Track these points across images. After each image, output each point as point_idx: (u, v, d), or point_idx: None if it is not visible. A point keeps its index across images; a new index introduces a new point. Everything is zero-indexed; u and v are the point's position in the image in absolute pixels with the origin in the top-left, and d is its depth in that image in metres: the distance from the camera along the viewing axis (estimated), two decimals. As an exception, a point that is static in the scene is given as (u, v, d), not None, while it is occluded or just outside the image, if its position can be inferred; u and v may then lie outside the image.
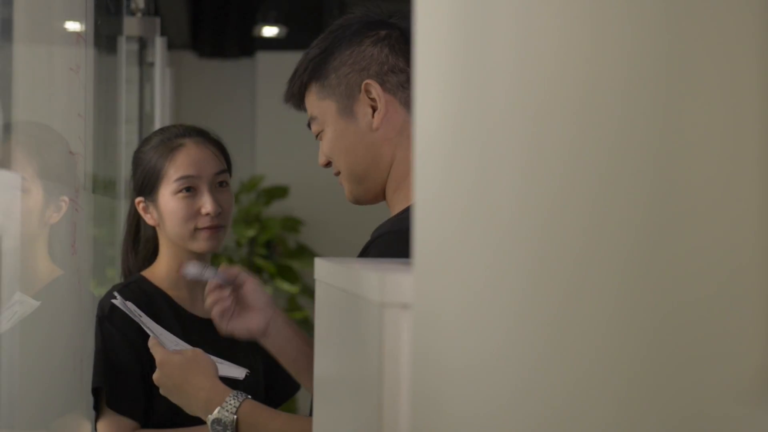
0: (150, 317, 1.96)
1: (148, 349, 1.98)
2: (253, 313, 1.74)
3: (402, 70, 1.63)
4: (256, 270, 5.78)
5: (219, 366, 1.75)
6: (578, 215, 0.57)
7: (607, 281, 0.54)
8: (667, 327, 0.49)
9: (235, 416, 1.66)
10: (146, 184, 2.08)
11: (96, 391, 2.03)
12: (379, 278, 0.95)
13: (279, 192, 5.98)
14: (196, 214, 2.04)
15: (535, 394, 0.63)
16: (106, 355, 2.01)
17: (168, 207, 2.05)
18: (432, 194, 0.83)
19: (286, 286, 5.70)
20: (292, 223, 6.00)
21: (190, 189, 2.05)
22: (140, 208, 2.10)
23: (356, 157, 1.65)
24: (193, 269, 1.77)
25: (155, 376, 1.74)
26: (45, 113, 1.67)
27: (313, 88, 1.67)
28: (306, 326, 5.90)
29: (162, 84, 3.23)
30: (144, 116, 3.35)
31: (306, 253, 5.93)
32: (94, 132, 2.02)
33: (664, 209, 0.49)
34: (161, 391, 1.75)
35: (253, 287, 1.73)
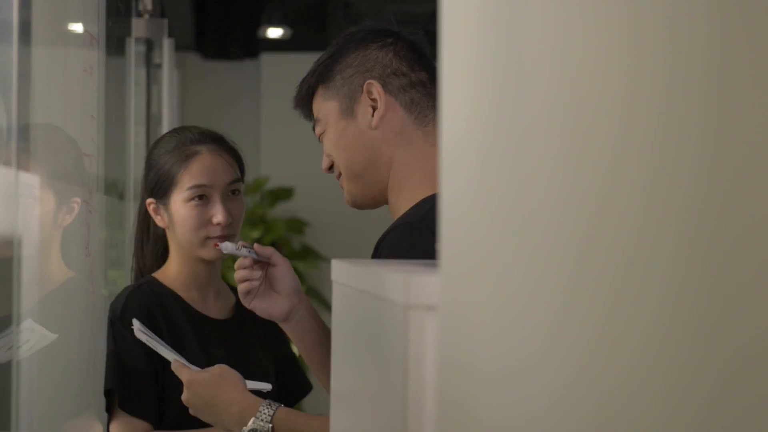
0: (162, 318, 1.96)
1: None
2: (278, 298, 1.74)
3: (404, 74, 1.66)
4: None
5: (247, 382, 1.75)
6: (619, 214, 0.56)
7: (649, 282, 0.54)
8: (707, 328, 0.48)
9: (271, 425, 1.66)
10: (159, 188, 2.08)
11: (108, 393, 2.03)
12: (403, 280, 0.94)
13: (284, 193, 5.98)
14: (207, 222, 2.04)
15: (572, 398, 0.62)
16: (118, 357, 2.01)
17: (179, 213, 2.05)
18: (461, 195, 0.83)
19: (291, 288, 5.69)
20: (297, 225, 6.00)
21: (202, 197, 2.05)
22: (151, 209, 2.09)
23: (354, 154, 1.67)
24: (228, 246, 1.76)
25: (184, 397, 1.74)
26: (61, 115, 1.67)
27: (319, 91, 1.70)
28: (311, 328, 5.89)
29: (169, 85, 3.22)
30: (151, 118, 3.35)
31: (311, 255, 5.92)
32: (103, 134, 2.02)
33: (706, 207, 0.48)
34: (191, 412, 1.75)
35: (283, 271, 1.73)
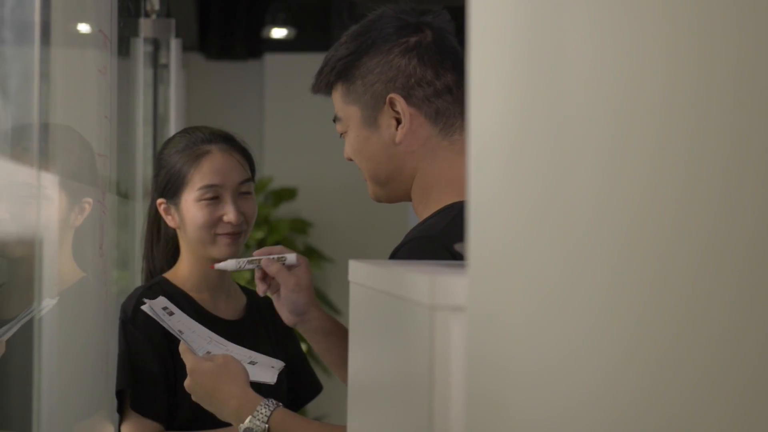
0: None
1: (171, 351, 1.98)
2: (284, 310, 1.76)
3: (429, 82, 1.62)
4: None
5: (250, 369, 1.75)
6: (660, 213, 0.56)
7: (689, 283, 0.53)
8: (747, 330, 0.48)
9: (267, 425, 1.66)
10: (169, 188, 2.08)
11: (119, 394, 2.02)
12: (429, 280, 0.94)
13: (287, 194, 5.98)
14: (218, 221, 2.05)
15: (609, 400, 0.62)
16: (130, 358, 2.01)
17: (190, 213, 2.05)
18: (492, 195, 0.82)
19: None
20: (301, 225, 5.99)
21: (213, 197, 2.06)
22: (161, 209, 2.10)
23: (378, 165, 1.66)
24: (229, 264, 1.77)
25: (186, 384, 1.74)
26: (78, 115, 1.67)
27: (339, 89, 1.67)
28: (314, 328, 5.88)
29: (177, 86, 3.22)
30: (158, 118, 3.35)
31: (314, 255, 5.92)
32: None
33: (748, 206, 0.48)
34: (193, 398, 1.75)
35: (284, 294, 1.75)
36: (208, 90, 6.11)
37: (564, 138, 0.69)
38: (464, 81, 1.65)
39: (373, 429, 1.21)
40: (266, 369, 1.82)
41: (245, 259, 1.75)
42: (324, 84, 1.68)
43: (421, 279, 0.96)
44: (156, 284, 2.08)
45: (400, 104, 1.61)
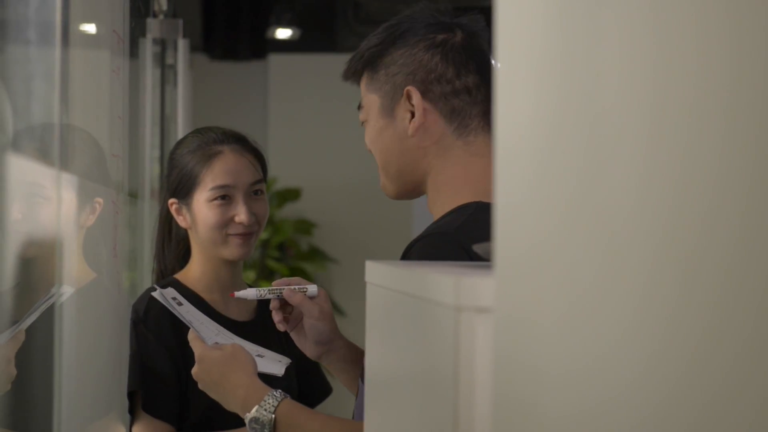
0: (171, 324, 1.97)
1: (183, 352, 1.98)
2: (308, 342, 1.77)
3: (449, 80, 1.62)
4: (269, 273, 5.77)
5: (258, 361, 1.74)
6: (694, 215, 0.56)
7: (722, 284, 0.53)
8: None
9: (273, 416, 1.65)
10: (181, 188, 2.08)
11: (131, 395, 2.02)
12: (454, 281, 0.93)
13: (291, 194, 5.98)
14: (229, 221, 2.05)
15: (643, 400, 0.62)
16: (141, 359, 2.00)
17: (201, 213, 2.05)
18: (522, 195, 0.82)
19: (299, 289, 5.69)
20: (305, 226, 6.00)
21: (225, 197, 2.06)
22: (173, 209, 2.09)
23: (390, 157, 1.66)
24: (251, 293, 1.76)
25: (194, 371, 1.74)
26: (93, 116, 1.67)
27: (365, 77, 1.68)
28: (318, 329, 5.88)
29: (184, 86, 3.22)
30: (165, 118, 3.35)
31: (318, 256, 5.92)
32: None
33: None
34: (199, 386, 1.75)
35: (309, 324, 1.75)
36: (212, 90, 6.11)
37: (598, 136, 0.68)
38: (488, 84, 1.65)
39: (396, 427, 1.20)
40: (274, 362, 1.82)
41: (266, 289, 1.75)
42: (352, 71, 1.69)
43: (446, 280, 0.96)
44: (167, 284, 2.08)
45: (416, 97, 1.61)
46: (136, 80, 2.81)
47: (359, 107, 1.70)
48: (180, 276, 2.11)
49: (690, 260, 0.57)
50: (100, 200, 1.81)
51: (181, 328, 1.97)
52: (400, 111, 1.63)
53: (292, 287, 1.74)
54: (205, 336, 1.78)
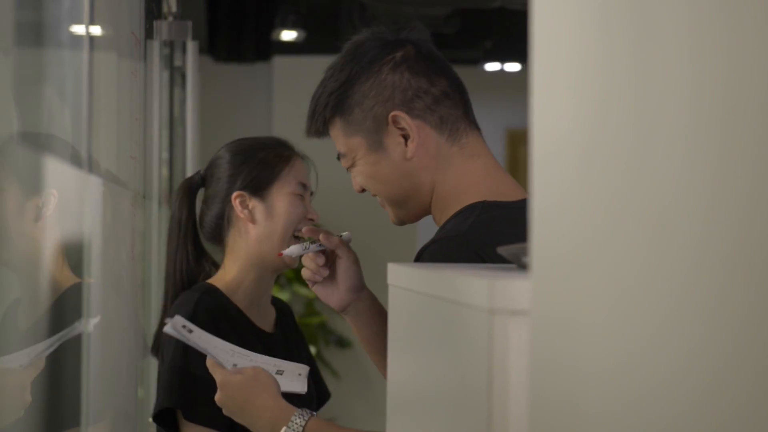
0: (228, 328, 1.94)
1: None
2: (338, 290, 1.72)
3: (426, 91, 1.61)
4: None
5: (279, 380, 1.73)
6: (738, 215, 0.56)
7: (763, 282, 0.53)
8: None
9: None
10: (256, 180, 2.07)
11: (163, 412, 1.96)
12: (487, 284, 0.93)
13: (296, 196, 5.97)
14: (303, 217, 2.07)
15: (686, 399, 0.62)
16: (183, 370, 1.94)
17: (282, 204, 2.06)
18: (561, 197, 0.81)
19: (303, 291, 5.69)
20: (309, 228, 5.98)
21: (302, 196, 2.10)
22: (237, 202, 2.05)
23: (393, 186, 1.64)
24: (294, 249, 1.75)
25: (217, 398, 1.72)
26: (114, 118, 1.66)
27: (337, 123, 1.65)
28: (323, 331, 5.88)
29: (193, 88, 3.22)
30: (174, 120, 3.34)
31: (323, 258, 5.91)
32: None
33: None
34: (224, 412, 1.73)
35: (345, 266, 1.71)
36: (216, 92, 6.11)
37: (642, 136, 0.68)
38: (457, 85, 1.65)
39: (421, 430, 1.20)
40: (294, 377, 1.80)
41: (306, 243, 1.72)
42: (320, 123, 1.66)
43: (479, 283, 0.95)
44: (207, 291, 2.02)
45: (405, 120, 1.60)
46: (145, 82, 2.81)
47: (339, 157, 1.68)
48: (215, 281, 2.07)
49: (730, 260, 0.57)
50: (54, 191, 1.74)
51: (223, 335, 1.93)
52: (390, 140, 1.61)
53: (327, 231, 1.72)
54: (222, 359, 1.76)
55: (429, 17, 4.83)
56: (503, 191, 1.64)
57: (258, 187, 2.06)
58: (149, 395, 2.48)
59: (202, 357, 1.89)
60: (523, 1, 4.20)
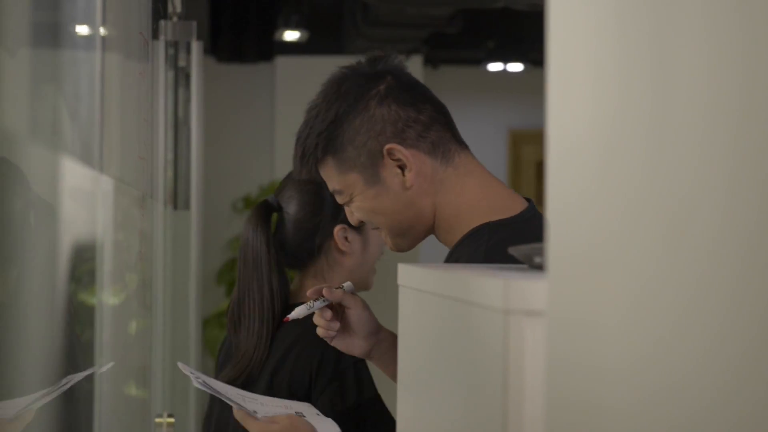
0: None
1: None
2: (356, 338, 1.74)
3: (415, 120, 1.63)
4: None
5: (316, 425, 1.74)
6: (755, 216, 0.56)
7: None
8: None
9: None
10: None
11: None
12: (503, 285, 0.93)
13: (298, 197, 5.96)
14: (382, 247, 2.11)
15: (704, 397, 0.61)
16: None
17: (377, 239, 2.09)
18: (579, 198, 0.81)
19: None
20: (312, 228, 5.98)
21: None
22: (338, 235, 2.07)
23: (397, 216, 1.66)
24: (300, 310, 1.74)
25: None
26: (123, 118, 1.66)
27: (329, 162, 1.66)
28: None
29: (198, 89, 3.22)
30: (178, 121, 3.34)
31: (326, 258, 5.91)
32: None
33: None
34: None
35: (357, 314, 1.73)
36: (219, 93, 6.11)
37: (661, 139, 0.68)
38: (440, 108, 1.68)
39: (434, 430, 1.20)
40: (313, 416, 1.80)
41: (311, 301, 1.73)
42: (312, 164, 1.66)
43: (494, 283, 0.95)
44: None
45: (400, 151, 1.62)
46: (150, 83, 2.80)
47: (333, 193, 1.69)
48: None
49: (747, 260, 0.57)
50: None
51: None
52: (387, 172, 1.63)
53: (329, 287, 1.72)
54: (247, 407, 1.77)
55: (432, 17, 4.83)
56: (504, 205, 1.66)
57: None
58: (150, 396, 2.48)
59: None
60: (526, 2, 4.19)
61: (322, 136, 1.64)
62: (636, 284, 0.71)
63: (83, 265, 1.36)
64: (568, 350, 0.83)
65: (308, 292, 1.72)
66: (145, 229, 1.87)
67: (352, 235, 2.07)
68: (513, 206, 1.66)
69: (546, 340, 0.89)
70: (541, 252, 1.11)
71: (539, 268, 1.11)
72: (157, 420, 2.44)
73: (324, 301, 1.71)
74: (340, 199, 1.68)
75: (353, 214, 1.68)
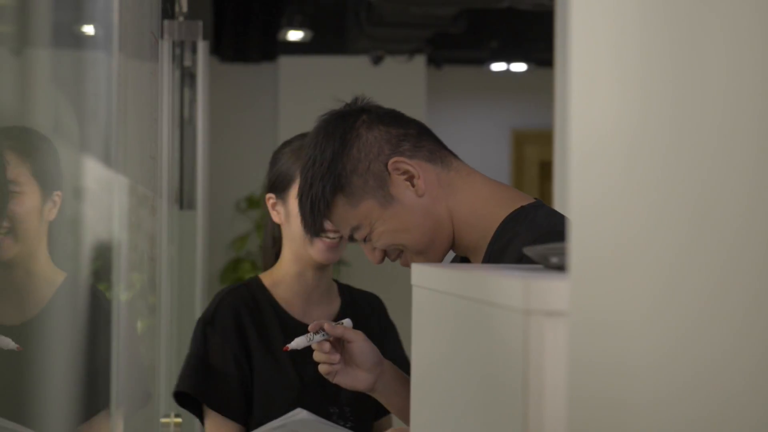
0: (252, 324, 2.04)
1: (248, 355, 2.06)
2: (360, 372, 1.75)
3: (406, 134, 1.68)
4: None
5: None
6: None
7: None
8: None
9: None
10: (278, 183, 2.12)
11: (181, 395, 2.10)
12: (523, 285, 0.92)
13: (302, 196, 5.96)
14: None
15: (726, 395, 0.61)
16: (205, 360, 2.07)
17: (296, 208, 2.07)
18: (601, 200, 0.81)
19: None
20: (315, 228, 5.97)
21: None
22: (269, 203, 2.13)
23: (419, 228, 1.66)
24: (300, 341, 1.75)
25: None
26: (136, 118, 1.66)
27: (340, 201, 1.67)
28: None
29: (203, 88, 3.22)
30: (183, 121, 3.34)
31: (329, 258, 5.90)
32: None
33: None
34: None
35: (359, 347, 1.74)
36: (223, 92, 6.10)
37: (686, 140, 0.68)
38: (423, 125, 1.73)
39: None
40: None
41: (311, 333, 1.74)
42: (323, 210, 1.67)
43: (514, 283, 0.95)
44: (243, 285, 2.14)
45: (404, 162, 1.65)
46: (157, 83, 2.80)
47: (352, 233, 1.69)
48: (264, 275, 2.17)
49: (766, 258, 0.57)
50: (60, 193, 1.76)
51: (246, 333, 2.05)
52: (396, 188, 1.65)
53: (329, 323, 1.74)
54: None
55: (436, 17, 4.83)
56: (518, 195, 1.69)
57: (281, 190, 2.14)
58: (159, 391, 2.49)
59: (221, 348, 2.01)
60: (531, 2, 4.19)
61: (326, 178, 1.66)
62: (658, 284, 0.71)
63: (94, 263, 1.37)
64: (590, 350, 0.83)
65: (309, 326, 1.74)
66: (152, 228, 1.87)
67: (279, 205, 2.12)
68: (526, 197, 1.68)
69: (566, 340, 0.89)
70: (556, 252, 1.10)
71: (556, 268, 1.11)
72: (164, 420, 2.44)
73: (324, 334, 1.73)
74: (360, 235, 1.68)
75: (374, 250, 1.69)
